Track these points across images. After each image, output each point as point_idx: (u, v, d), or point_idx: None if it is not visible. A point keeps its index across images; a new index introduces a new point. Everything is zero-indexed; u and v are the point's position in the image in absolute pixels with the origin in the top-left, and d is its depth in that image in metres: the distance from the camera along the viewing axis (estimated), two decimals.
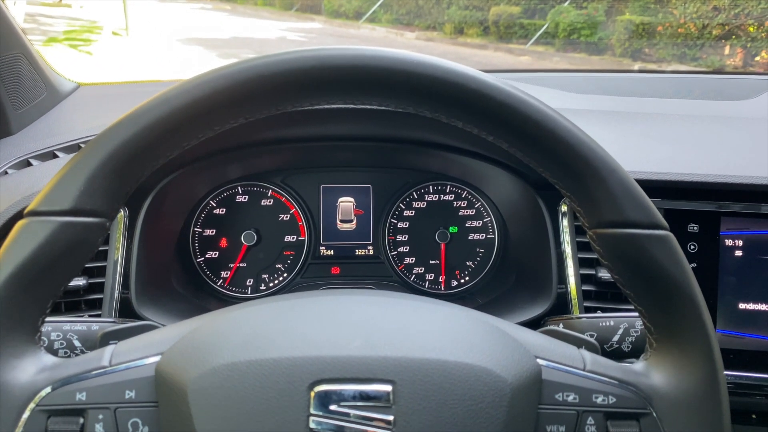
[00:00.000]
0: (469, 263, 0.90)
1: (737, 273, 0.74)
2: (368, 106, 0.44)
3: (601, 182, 0.45)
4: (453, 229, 0.91)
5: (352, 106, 0.45)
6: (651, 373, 0.46)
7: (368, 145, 0.84)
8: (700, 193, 0.75)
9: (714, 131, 0.89)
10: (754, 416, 0.77)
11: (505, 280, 0.87)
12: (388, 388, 0.41)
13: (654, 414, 0.44)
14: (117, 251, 0.73)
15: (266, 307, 0.46)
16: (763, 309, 0.73)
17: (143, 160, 0.42)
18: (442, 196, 0.91)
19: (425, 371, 0.41)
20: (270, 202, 0.89)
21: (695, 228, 0.74)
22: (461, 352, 0.43)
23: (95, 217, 0.41)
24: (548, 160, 0.45)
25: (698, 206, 0.75)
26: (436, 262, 0.90)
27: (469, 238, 0.91)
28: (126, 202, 0.63)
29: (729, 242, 0.74)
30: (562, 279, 0.75)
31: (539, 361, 0.45)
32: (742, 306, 0.73)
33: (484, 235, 0.91)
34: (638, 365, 0.47)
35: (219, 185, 0.88)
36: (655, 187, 0.75)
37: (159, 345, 0.44)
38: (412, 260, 0.91)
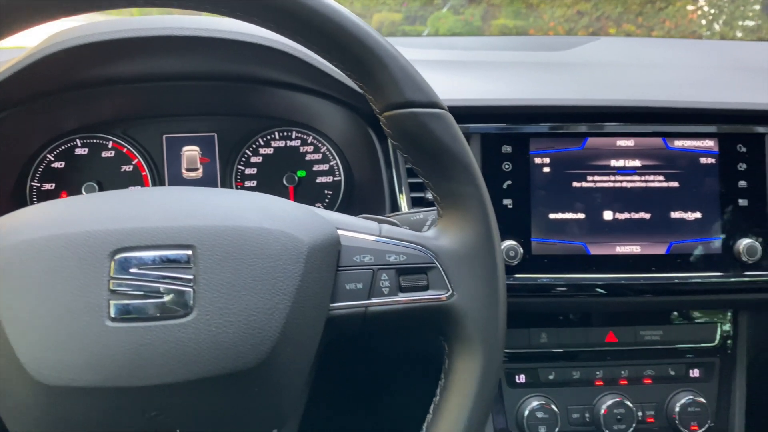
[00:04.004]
0: (318, 204, 0.94)
1: (546, 187, 0.82)
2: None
3: (384, 68, 0.50)
4: (301, 173, 0.94)
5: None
6: (439, 235, 0.52)
7: (207, 86, 0.85)
8: (511, 117, 0.83)
9: (531, 70, 0.99)
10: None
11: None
12: (188, 252, 0.44)
13: (439, 266, 0.50)
14: None
15: (71, 198, 0.48)
16: (570, 217, 0.82)
17: None
18: (288, 142, 0.94)
19: (224, 236, 0.44)
20: (111, 153, 0.89)
21: (508, 149, 0.82)
22: (259, 219, 0.46)
23: None
24: (339, 52, 0.50)
25: (510, 129, 0.83)
26: None
27: (317, 181, 0.95)
28: None
29: (538, 160, 0.83)
30: (395, 205, 0.81)
31: (339, 231, 0.50)
32: (552, 216, 0.82)
33: (332, 177, 0.95)
34: (429, 231, 0.53)
35: (55, 137, 0.86)
36: (473, 114, 0.82)
37: None
38: None
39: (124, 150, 0.89)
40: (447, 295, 0.50)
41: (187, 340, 0.42)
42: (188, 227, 0.45)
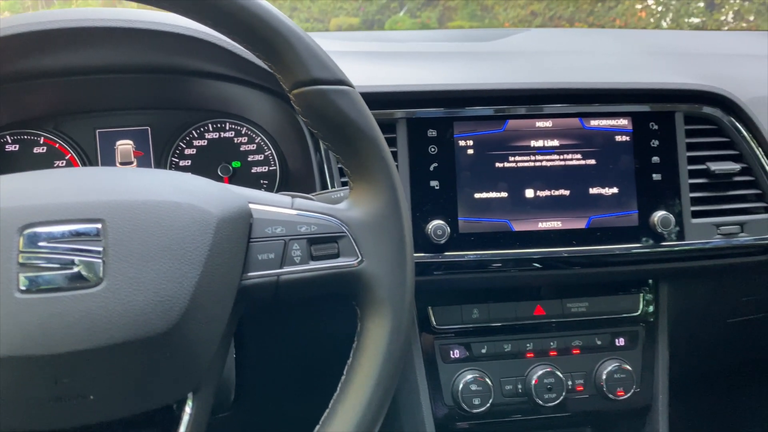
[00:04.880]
0: None
1: (471, 168, 0.86)
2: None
3: (290, 48, 0.52)
4: (236, 164, 0.96)
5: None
6: (349, 206, 0.55)
7: (138, 79, 0.86)
8: (436, 102, 0.86)
9: (459, 59, 1.03)
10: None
11: None
12: (97, 225, 0.45)
13: (349, 235, 0.52)
14: None
15: None
16: (494, 196, 0.86)
17: None
18: (222, 133, 0.96)
19: (133, 210, 0.46)
20: (43, 149, 0.89)
21: (434, 133, 0.85)
22: (169, 194, 0.48)
23: None
24: (247, 34, 0.52)
25: (435, 113, 0.86)
26: None
27: (252, 171, 0.96)
28: None
29: (462, 143, 0.86)
30: (324, 185, 0.84)
31: (251, 205, 0.52)
32: (477, 195, 0.86)
33: (267, 167, 0.97)
34: (340, 204, 0.55)
35: None
36: (400, 99, 0.85)
37: None
38: None
39: (57, 145, 0.89)
40: (357, 261, 0.53)
41: (97, 308, 0.44)
42: (97, 202, 0.46)
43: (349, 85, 0.54)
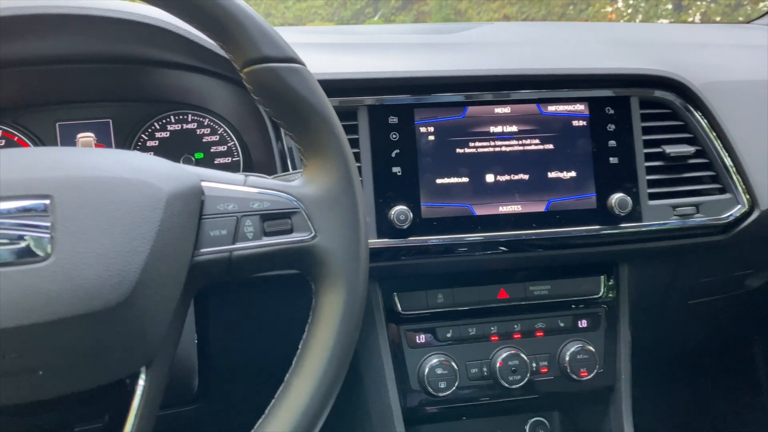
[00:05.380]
0: None
1: (432, 154, 0.87)
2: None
3: (240, 27, 0.52)
4: (198, 155, 0.96)
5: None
6: (303, 183, 0.55)
7: (98, 69, 0.86)
8: (396, 90, 0.87)
9: (422, 50, 1.04)
10: None
11: None
12: (45, 201, 0.45)
13: (303, 211, 0.53)
14: None
15: None
16: (456, 182, 0.87)
17: None
18: (184, 125, 0.96)
19: (83, 185, 0.46)
20: (2, 143, 0.88)
21: (395, 120, 0.86)
22: (119, 170, 0.48)
23: None
24: (197, 13, 0.52)
25: (396, 101, 0.87)
26: None
27: (215, 162, 0.96)
28: None
29: (423, 129, 0.87)
30: (285, 169, 0.84)
31: (204, 183, 0.52)
32: (438, 181, 0.87)
33: (230, 158, 0.97)
34: (294, 181, 0.56)
35: None
36: (360, 87, 0.86)
37: None
38: None
39: (16, 139, 0.89)
40: (310, 236, 0.53)
41: (45, 283, 0.44)
42: (46, 178, 0.46)
43: (300, 62, 0.55)
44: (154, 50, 0.84)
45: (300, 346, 0.54)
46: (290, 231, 0.53)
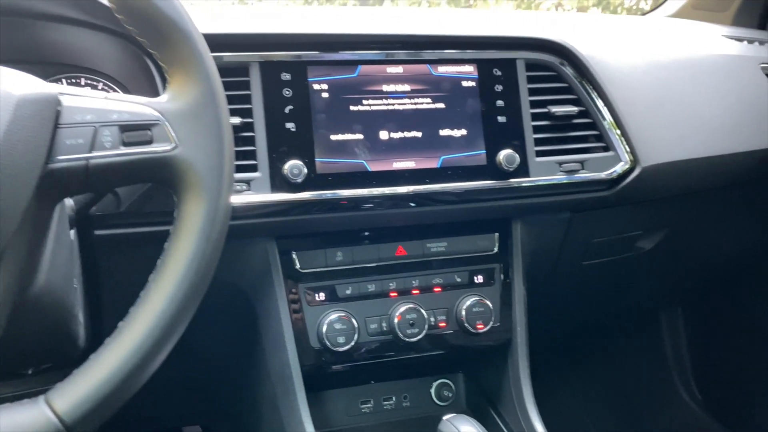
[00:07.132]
0: None
1: (326, 111, 0.88)
2: None
3: None
4: None
5: None
6: (166, 98, 0.55)
7: None
8: (288, 46, 0.88)
9: (318, 12, 1.06)
10: None
11: None
12: None
13: (164, 123, 0.53)
14: None
15: None
16: (350, 138, 0.89)
17: None
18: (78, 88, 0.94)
19: None
20: None
21: (287, 76, 0.87)
22: None
23: None
24: None
25: (288, 57, 0.88)
26: None
27: None
28: None
29: (316, 86, 0.88)
30: None
31: (61, 95, 0.52)
32: (333, 137, 0.88)
33: None
34: (160, 97, 0.56)
35: None
36: (253, 43, 0.86)
37: None
38: None
39: None
40: (171, 147, 0.53)
41: None
42: None
43: None
44: (38, 1, 0.82)
45: (162, 257, 0.53)
46: (150, 142, 0.53)
